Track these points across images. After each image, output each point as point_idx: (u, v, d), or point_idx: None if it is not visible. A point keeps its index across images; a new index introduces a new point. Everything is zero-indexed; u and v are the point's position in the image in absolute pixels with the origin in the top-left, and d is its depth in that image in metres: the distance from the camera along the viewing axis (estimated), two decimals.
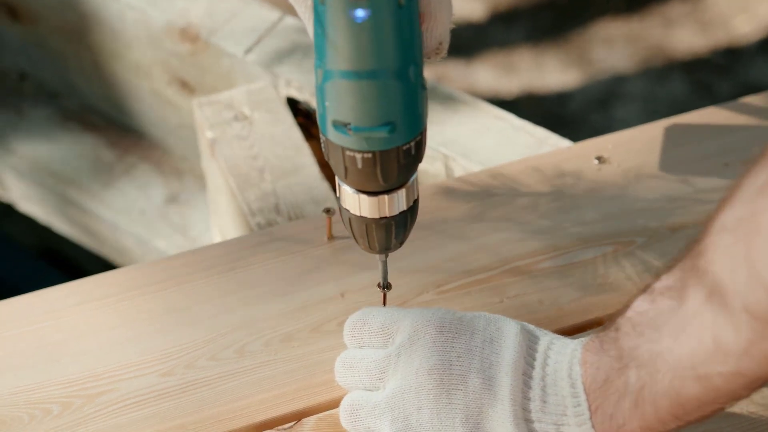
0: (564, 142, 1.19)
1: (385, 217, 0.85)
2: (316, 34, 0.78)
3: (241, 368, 0.95)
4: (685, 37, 2.29)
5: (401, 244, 0.89)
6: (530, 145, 1.20)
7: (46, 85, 1.67)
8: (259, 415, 0.93)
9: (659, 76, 2.25)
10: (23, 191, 1.64)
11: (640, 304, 0.79)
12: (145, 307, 0.99)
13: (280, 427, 0.92)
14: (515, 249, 1.02)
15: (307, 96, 1.31)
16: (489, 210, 1.05)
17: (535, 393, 0.83)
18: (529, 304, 0.99)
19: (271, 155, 1.20)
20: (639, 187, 1.07)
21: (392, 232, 0.86)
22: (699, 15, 2.32)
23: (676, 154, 1.09)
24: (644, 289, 0.80)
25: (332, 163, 0.83)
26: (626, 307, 0.81)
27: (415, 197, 0.86)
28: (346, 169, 0.82)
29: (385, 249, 0.88)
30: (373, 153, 0.80)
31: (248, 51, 1.37)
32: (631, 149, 1.10)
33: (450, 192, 1.07)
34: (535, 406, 0.83)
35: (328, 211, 1.02)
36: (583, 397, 0.81)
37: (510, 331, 0.85)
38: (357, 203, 0.85)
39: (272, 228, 1.06)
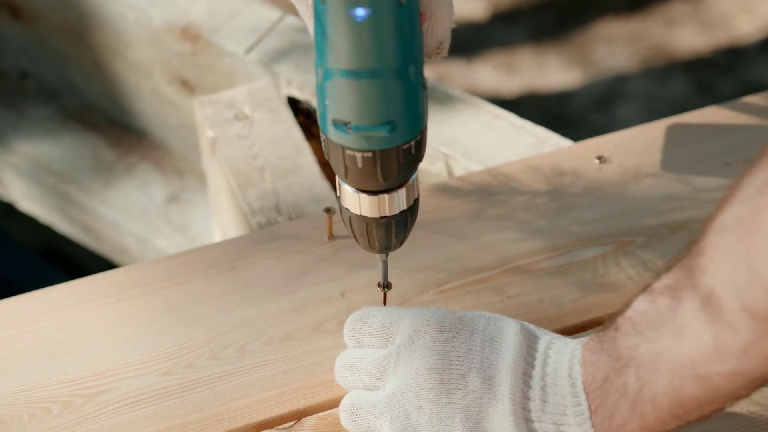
0: (565, 142, 1.19)
1: (386, 217, 0.85)
2: (316, 33, 0.78)
3: (242, 367, 0.95)
4: (686, 36, 2.29)
5: (401, 243, 0.89)
6: (531, 144, 1.20)
7: (46, 84, 1.67)
8: (259, 414, 0.93)
9: (661, 75, 2.25)
10: (24, 190, 1.64)
11: (640, 304, 0.79)
12: (145, 306, 0.99)
13: (280, 427, 0.92)
14: (515, 248, 1.02)
15: (307, 95, 1.31)
16: (489, 209, 1.05)
17: (535, 392, 0.83)
18: (529, 304, 0.99)
19: (272, 155, 1.20)
20: (639, 186, 1.06)
21: (392, 231, 0.86)
22: (701, 14, 2.32)
23: (677, 153, 1.09)
24: (644, 288, 0.80)
25: (332, 162, 0.83)
26: (626, 306, 0.81)
27: (416, 196, 0.86)
28: (346, 168, 0.82)
29: (386, 248, 0.88)
30: (374, 152, 0.80)
31: (249, 50, 1.37)
32: (632, 149, 1.10)
33: (450, 191, 1.07)
34: (534, 405, 0.83)
35: (328, 210, 1.02)
36: (582, 397, 0.81)
37: (510, 331, 0.85)
38: (357, 202, 0.84)
39: (272, 227, 1.06)
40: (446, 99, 1.25)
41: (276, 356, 0.96)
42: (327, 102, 0.79)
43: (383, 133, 0.79)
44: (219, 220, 1.37)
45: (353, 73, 0.77)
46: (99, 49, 1.55)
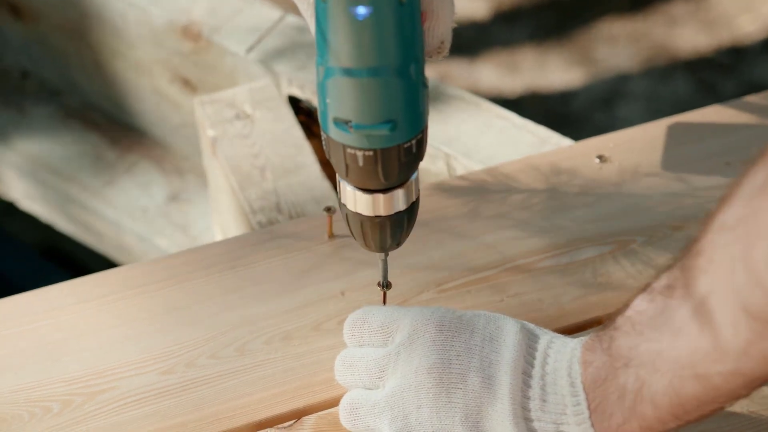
0: (565, 141, 1.19)
1: (386, 216, 0.85)
2: (317, 32, 0.78)
3: (242, 366, 0.95)
4: (688, 36, 2.29)
5: (402, 242, 0.89)
6: (532, 143, 1.20)
7: (47, 83, 1.68)
8: (259, 413, 0.93)
9: (663, 75, 2.25)
10: (25, 189, 1.64)
11: (640, 303, 0.79)
12: (145, 305, 0.99)
13: (279, 426, 0.92)
14: (516, 247, 1.02)
15: (308, 94, 1.31)
16: (489, 209, 1.05)
17: (534, 392, 0.83)
18: (529, 303, 0.99)
19: (273, 154, 1.20)
20: (640, 185, 1.06)
21: (393, 230, 0.86)
22: (703, 14, 2.32)
23: (678, 152, 1.09)
24: (644, 288, 0.80)
25: (333, 161, 0.83)
26: (626, 306, 0.81)
27: (416, 196, 0.86)
28: (347, 166, 0.82)
29: (386, 247, 0.88)
30: (375, 151, 0.80)
31: (250, 49, 1.37)
32: (633, 148, 1.10)
33: (451, 191, 1.07)
34: (534, 405, 0.83)
35: (328, 209, 1.02)
36: (582, 396, 0.81)
37: (510, 330, 0.85)
38: (358, 201, 0.84)
39: (273, 226, 1.06)
40: (447, 98, 1.25)
41: (276, 355, 0.96)
42: (328, 100, 0.79)
43: (384, 131, 0.79)
44: (219, 220, 1.37)
45: (354, 72, 0.77)
46: (100, 48, 1.55)
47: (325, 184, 1.17)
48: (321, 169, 1.19)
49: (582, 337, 0.84)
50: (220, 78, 1.42)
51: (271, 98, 1.27)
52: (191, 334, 0.97)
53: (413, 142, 0.81)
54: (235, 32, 1.39)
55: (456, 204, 1.06)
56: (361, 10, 0.75)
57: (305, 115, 1.32)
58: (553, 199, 1.06)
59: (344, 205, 0.86)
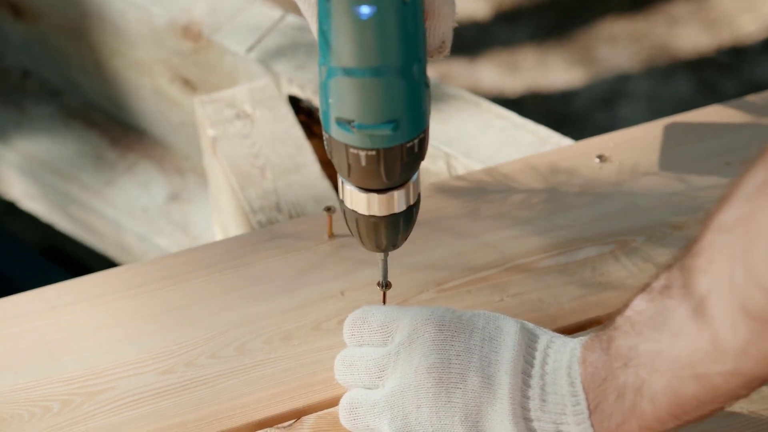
0: (566, 141, 1.19)
1: (387, 215, 0.85)
2: (320, 31, 0.78)
3: (241, 366, 0.95)
4: (689, 35, 2.29)
5: (402, 242, 0.89)
6: (532, 143, 1.20)
7: (48, 82, 1.68)
8: (259, 413, 0.93)
9: (664, 75, 2.25)
10: (25, 189, 1.64)
11: (639, 304, 0.79)
12: (145, 305, 0.99)
13: (279, 425, 0.92)
14: (516, 247, 1.02)
15: (308, 94, 1.31)
16: (489, 208, 1.05)
17: (534, 392, 0.83)
18: (529, 303, 0.99)
19: (273, 153, 1.20)
20: (640, 185, 1.06)
21: (394, 230, 0.86)
22: (704, 14, 2.32)
23: (678, 152, 1.09)
24: (643, 288, 0.80)
25: (335, 160, 0.82)
26: (625, 306, 0.81)
27: (417, 196, 0.86)
28: (349, 166, 0.82)
29: (386, 247, 0.88)
30: (377, 150, 0.80)
31: (250, 49, 1.37)
32: (633, 148, 1.10)
33: (451, 190, 1.07)
34: (534, 404, 0.83)
35: (328, 209, 1.02)
36: (582, 396, 0.81)
37: (509, 330, 0.85)
38: (359, 201, 0.84)
39: (273, 226, 1.06)
40: (447, 98, 1.25)
41: (276, 355, 0.96)
42: (330, 100, 0.79)
43: (387, 131, 0.79)
44: (220, 219, 1.37)
45: (357, 72, 0.77)
46: (100, 48, 1.55)
47: (325, 183, 1.17)
48: (321, 168, 1.19)
49: (582, 337, 0.84)
50: (220, 77, 1.42)
51: (271, 98, 1.27)
52: (190, 334, 0.97)
53: (415, 141, 0.81)
54: (235, 32, 1.39)
55: (456, 203, 1.06)
56: (365, 10, 0.75)
57: (305, 114, 1.32)
58: (553, 198, 1.06)
59: (345, 205, 0.85)
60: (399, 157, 0.81)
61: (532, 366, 0.84)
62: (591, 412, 0.81)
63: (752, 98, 1.14)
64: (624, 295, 0.86)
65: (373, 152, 0.80)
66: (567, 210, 1.05)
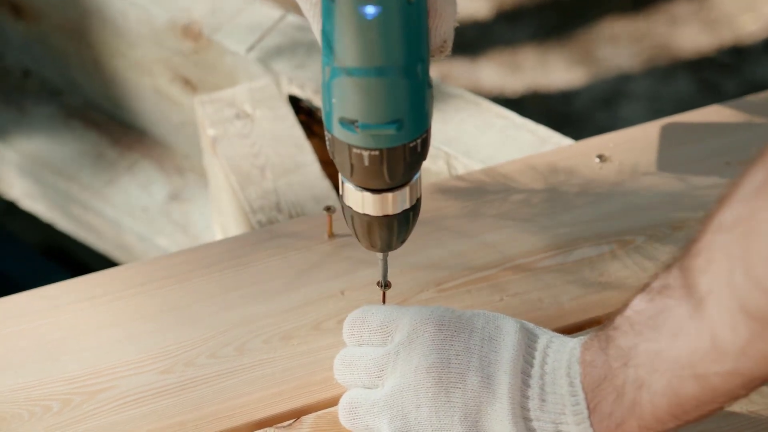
0: (566, 141, 1.19)
1: (389, 215, 0.85)
2: (324, 31, 0.78)
3: (241, 366, 0.95)
4: (690, 35, 2.29)
5: (403, 242, 0.89)
6: (532, 143, 1.20)
7: (48, 82, 1.68)
8: (258, 412, 0.93)
9: (665, 74, 2.25)
10: (25, 188, 1.64)
11: (639, 303, 0.79)
12: (145, 304, 0.99)
13: (279, 425, 0.92)
14: (515, 247, 1.02)
15: (308, 94, 1.31)
16: (488, 208, 1.05)
17: (533, 391, 0.83)
18: (529, 302, 0.99)
19: (273, 153, 1.20)
20: (640, 185, 1.06)
21: (395, 230, 0.86)
22: (705, 13, 2.32)
23: (678, 152, 1.09)
24: (643, 288, 0.80)
25: (337, 160, 0.82)
26: (625, 306, 0.80)
27: (418, 196, 0.86)
28: (352, 166, 0.82)
29: (387, 247, 0.88)
30: (380, 150, 0.80)
31: (250, 49, 1.37)
32: (633, 147, 1.10)
33: (451, 190, 1.07)
34: (533, 404, 0.83)
35: (328, 209, 1.02)
36: (581, 396, 0.81)
37: (509, 330, 0.85)
38: (361, 201, 0.84)
39: (273, 226, 1.06)
40: (447, 98, 1.25)
41: (275, 354, 0.96)
42: (334, 100, 0.79)
43: (391, 131, 0.79)
44: (220, 219, 1.37)
45: (362, 72, 0.77)
46: (100, 48, 1.55)
47: (325, 183, 1.17)
48: (321, 168, 1.19)
49: (581, 337, 0.84)
50: (220, 77, 1.42)
51: (272, 97, 1.27)
52: (190, 334, 0.97)
53: (418, 141, 0.81)
54: (235, 31, 1.39)
55: (456, 203, 1.06)
56: (370, 10, 0.75)
57: (305, 114, 1.32)
58: (553, 198, 1.06)
59: (349, 207, 0.85)
60: (402, 157, 0.81)
61: (531, 366, 0.84)
62: (590, 411, 0.81)
63: (752, 98, 1.14)
64: (624, 295, 0.86)
65: (377, 152, 0.80)
66: (567, 210, 1.05)
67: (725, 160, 1.08)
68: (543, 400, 0.82)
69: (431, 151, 1.22)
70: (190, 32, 1.42)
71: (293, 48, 1.35)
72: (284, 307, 0.99)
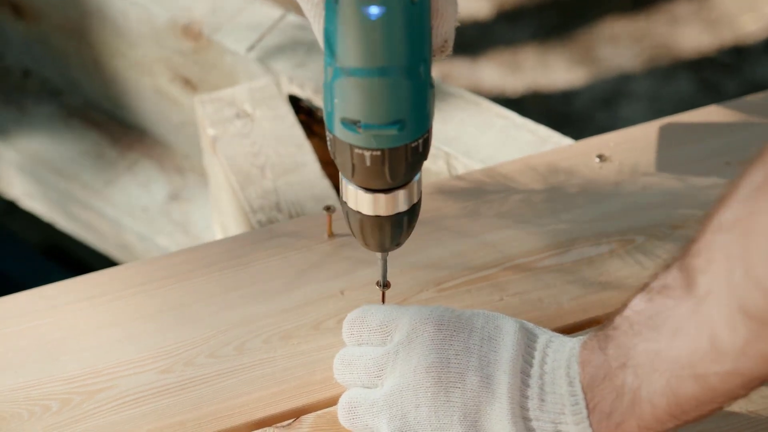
0: (566, 140, 1.19)
1: (389, 215, 0.85)
2: (327, 32, 0.78)
3: (240, 365, 0.95)
4: (691, 35, 2.29)
5: (403, 242, 0.89)
6: (532, 143, 1.20)
7: (49, 82, 1.68)
8: (258, 412, 0.93)
9: (665, 74, 2.25)
10: (26, 188, 1.64)
11: (638, 303, 0.79)
12: (144, 304, 0.99)
13: (278, 425, 0.92)
14: (515, 247, 1.02)
15: (309, 93, 1.31)
16: (488, 208, 1.05)
17: (533, 391, 0.83)
18: (528, 302, 0.99)
19: (273, 153, 1.20)
20: (640, 185, 1.06)
21: (395, 229, 0.86)
22: (705, 13, 2.32)
23: (678, 152, 1.09)
24: (642, 288, 0.80)
25: (339, 161, 0.82)
26: (624, 305, 0.81)
27: (419, 196, 0.86)
28: (353, 166, 0.82)
29: (387, 247, 0.88)
30: (382, 150, 0.80)
31: (250, 48, 1.37)
32: (633, 147, 1.10)
33: (451, 190, 1.07)
34: (533, 404, 0.83)
35: (328, 208, 1.02)
36: (580, 396, 0.81)
37: (508, 329, 0.85)
38: (361, 201, 0.84)
39: (273, 225, 1.06)
40: (447, 97, 1.25)
41: (275, 354, 0.96)
42: (336, 100, 0.79)
43: (393, 131, 0.79)
44: (220, 218, 1.37)
45: (365, 72, 0.77)
46: (101, 47, 1.55)
47: (325, 183, 1.17)
48: (321, 168, 1.19)
49: (581, 337, 0.84)
50: (220, 77, 1.42)
51: (272, 97, 1.27)
52: (190, 333, 0.97)
53: (420, 141, 0.81)
54: (235, 31, 1.39)
55: (456, 203, 1.06)
56: (374, 10, 0.75)
57: (305, 113, 1.32)
58: (552, 198, 1.06)
59: (350, 207, 0.85)
60: (404, 157, 0.81)
61: (531, 366, 0.84)
62: (590, 411, 0.81)
63: (752, 98, 1.14)
64: (623, 295, 0.86)
65: (378, 152, 0.80)
66: (566, 209, 1.05)
67: (725, 160, 1.08)
68: (542, 400, 0.82)
69: (431, 150, 1.22)
70: (191, 32, 1.42)
71: (293, 47, 1.35)
72: (284, 307, 0.99)
